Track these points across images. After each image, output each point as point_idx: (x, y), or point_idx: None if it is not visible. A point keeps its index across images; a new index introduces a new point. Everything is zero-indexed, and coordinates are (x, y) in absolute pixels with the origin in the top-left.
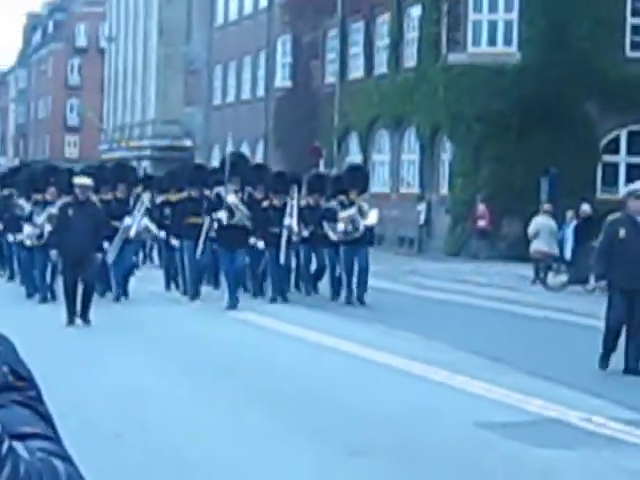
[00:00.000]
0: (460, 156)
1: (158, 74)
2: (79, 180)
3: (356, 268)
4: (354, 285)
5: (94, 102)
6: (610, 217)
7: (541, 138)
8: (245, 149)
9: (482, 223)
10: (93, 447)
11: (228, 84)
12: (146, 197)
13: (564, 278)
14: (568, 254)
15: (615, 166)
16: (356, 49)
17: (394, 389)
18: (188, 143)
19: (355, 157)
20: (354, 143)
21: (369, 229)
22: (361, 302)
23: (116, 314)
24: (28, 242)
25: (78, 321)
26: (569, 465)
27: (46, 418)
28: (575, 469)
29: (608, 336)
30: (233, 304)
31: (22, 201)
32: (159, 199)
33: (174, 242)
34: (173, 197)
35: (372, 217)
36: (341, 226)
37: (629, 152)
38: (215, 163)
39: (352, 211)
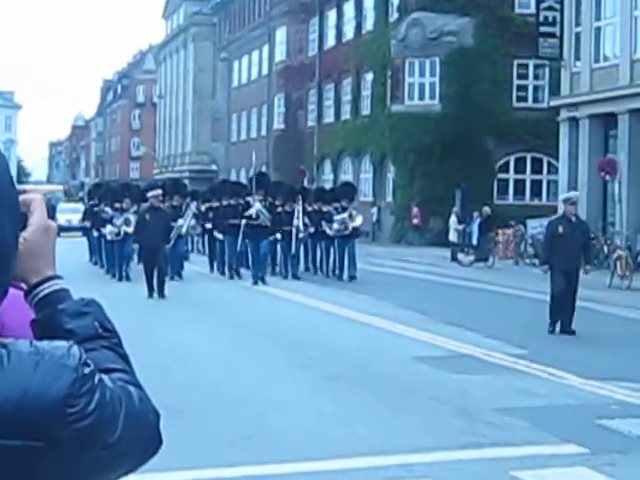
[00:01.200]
0: (400, 175)
1: (193, 120)
2: (154, 192)
3: (347, 256)
4: (345, 267)
5: (149, 140)
6: (551, 218)
7: (455, 162)
8: (252, 172)
9: (416, 221)
10: (153, 376)
11: (241, 127)
12: (193, 205)
13: (472, 258)
14: (474, 241)
15: (506, 181)
16: (328, 102)
17: (355, 334)
18: (214, 167)
19: (328, 176)
20: (328, 167)
21: (355, 228)
22: (352, 278)
23: (173, 289)
24: (109, 237)
25: (154, 295)
26: (477, 385)
27: (124, 357)
28: (481, 388)
29: (553, 306)
30: (256, 281)
31: (107, 208)
32: (203, 206)
33: (220, 236)
34: (215, 204)
35: (358, 220)
36: (335, 226)
37: (516, 171)
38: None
39: (344, 215)
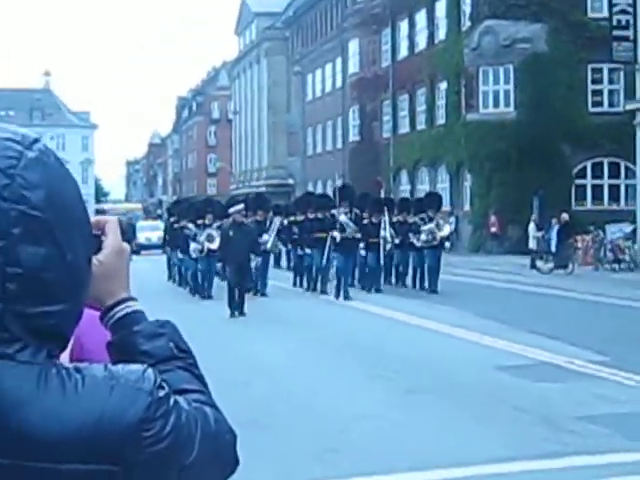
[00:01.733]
0: (477, 183)
1: (269, 135)
2: (236, 207)
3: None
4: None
5: (225, 156)
6: None
7: (532, 169)
8: (329, 185)
9: (494, 229)
10: (233, 391)
11: (316, 140)
12: (277, 220)
13: (551, 265)
14: (553, 248)
15: (584, 187)
16: (403, 113)
17: (436, 345)
18: (291, 181)
19: (405, 187)
20: (404, 177)
21: (444, 238)
22: (434, 291)
23: (258, 305)
24: (194, 255)
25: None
26: (559, 393)
27: (200, 378)
28: (563, 396)
29: None
30: (347, 296)
31: (190, 225)
32: (286, 220)
33: (307, 251)
34: (299, 218)
35: (446, 230)
36: (423, 236)
37: (593, 177)
38: None
39: (432, 225)
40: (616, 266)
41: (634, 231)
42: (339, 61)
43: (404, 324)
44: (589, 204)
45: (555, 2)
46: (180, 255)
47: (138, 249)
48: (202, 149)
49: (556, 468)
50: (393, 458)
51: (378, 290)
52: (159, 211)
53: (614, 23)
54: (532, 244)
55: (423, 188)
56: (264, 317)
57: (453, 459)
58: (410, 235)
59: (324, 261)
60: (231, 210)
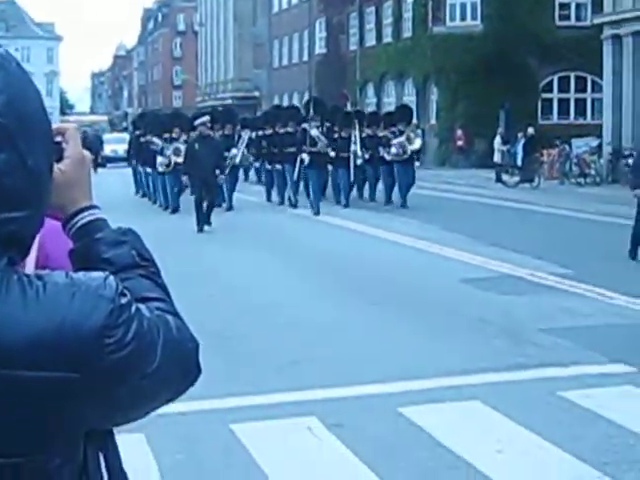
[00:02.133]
0: (443, 97)
1: (234, 47)
2: (202, 119)
3: (405, 181)
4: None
5: (191, 68)
6: None
7: (499, 83)
8: (296, 98)
9: (460, 143)
10: (198, 304)
11: (283, 52)
12: (245, 134)
13: (517, 179)
14: (519, 162)
15: (550, 101)
16: (370, 25)
17: (402, 258)
18: (257, 94)
19: (371, 100)
20: (371, 91)
21: (415, 152)
22: (404, 206)
23: (227, 220)
24: (160, 169)
25: (205, 228)
26: (522, 306)
27: (162, 286)
28: (527, 309)
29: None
30: (317, 211)
31: (155, 138)
32: (254, 134)
33: (277, 166)
34: (268, 132)
35: (417, 143)
36: (394, 150)
37: (559, 91)
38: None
39: (402, 139)
40: (581, 180)
41: (600, 145)
42: None
43: (370, 237)
44: (555, 118)
45: None
46: (147, 169)
47: (104, 162)
48: (168, 61)
49: (519, 380)
50: (355, 370)
51: (347, 205)
52: (124, 124)
53: None
54: (497, 158)
55: (389, 101)
56: (232, 231)
57: (415, 371)
58: (380, 149)
59: (294, 176)
60: (197, 122)
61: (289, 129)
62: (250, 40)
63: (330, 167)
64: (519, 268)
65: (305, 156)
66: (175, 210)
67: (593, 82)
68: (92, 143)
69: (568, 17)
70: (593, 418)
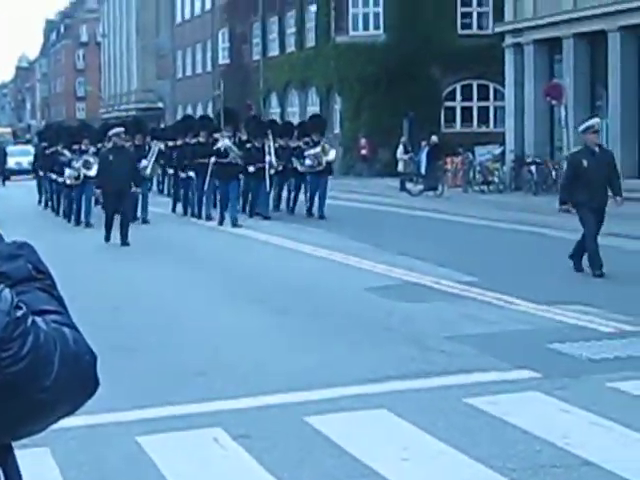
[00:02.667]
0: (347, 106)
1: (137, 58)
2: (116, 129)
3: (318, 193)
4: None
5: (94, 79)
6: (571, 151)
7: (402, 92)
8: (199, 107)
9: (364, 152)
10: (103, 317)
11: (186, 63)
12: (156, 145)
13: (421, 187)
14: (423, 170)
15: (453, 109)
16: (273, 35)
17: (307, 267)
18: (160, 105)
19: (275, 110)
20: (274, 100)
21: (329, 163)
22: (322, 217)
23: (134, 232)
24: (68, 181)
25: (113, 240)
26: (428, 314)
27: (59, 299)
28: (432, 316)
29: (589, 246)
30: (221, 221)
31: (64, 150)
32: (163, 145)
33: (190, 174)
34: (179, 142)
35: (332, 154)
36: (308, 161)
37: (462, 99)
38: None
39: (317, 149)
40: (485, 188)
41: (503, 153)
42: None
43: (276, 247)
44: (458, 126)
45: None
46: (56, 180)
47: (8, 174)
48: (71, 73)
49: (424, 388)
50: (262, 380)
51: (267, 217)
52: (28, 136)
53: None
54: (400, 167)
55: (293, 111)
56: (143, 244)
57: (321, 380)
58: (294, 160)
59: (206, 186)
60: (111, 132)
61: (201, 139)
62: (153, 51)
63: (243, 178)
64: (424, 276)
65: (214, 167)
66: (87, 224)
67: (495, 90)
68: None
69: (470, 26)
70: (498, 424)
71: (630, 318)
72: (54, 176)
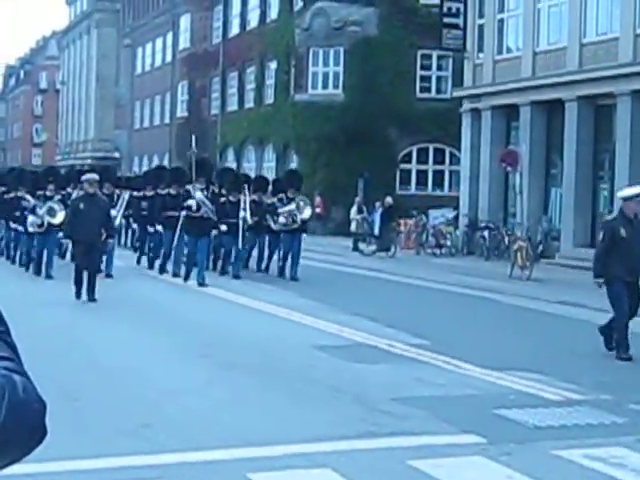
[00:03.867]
0: (303, 164)
1: (96, 107)
2: (89, 175)
3: (291, 253)
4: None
5: (52, 126)
6: (606, 219)
7: (358, 152)
8: (156, 159)
9: (318, 210)
10: (43, 362)
11: (144, 114)
12: (126, 194)
13: (374, 247)
14: (377, 231)
15: (408, 172)
16: (232, 90)
17: (256, 324)
18: (117, 155)
19: (231, 164)
20: (231, 155)
21: (304, 221)
22: (294, 279)
23: (103, 286)
24: (31, 229)
25: (83, 297)
26: (376, 375)
27: (11, 346)
28: (380, 378)
29: (619, 327)
30: (202, 282)
31: (27, 195)
32: (130, 194)
33: (159, 228)
34: (149, 193)
35: (307, 212)
36: (282, 219)
37: (418, 162)
38: (136, 170)
39: (292, 207)
40: (437, 251)
41: (456, 217)
42: (170, 36)
43: (228, 303)
44: (413, 189)
45: None
46: (16, 228)
47: None
48: (28, 119)
49: (370, 449)
50: (207, 435)
51: (237, 276)
52: None
53: (444, 10)
54: (353, 227)
55: (249, 166)
56: (104, 299)
57: (266, 437)
58: (267, 217)
59: (175, 241)
60: (84, 178)
61: (171, 191)
62: (112, 101)
63: (215, 233)
64: (374, 337)
65: (184, 221)
66: (48, 276)
67: (451, 154)
68: None
69: (429, 89)
70: None
71: (577, 387)
72: (12, 224)
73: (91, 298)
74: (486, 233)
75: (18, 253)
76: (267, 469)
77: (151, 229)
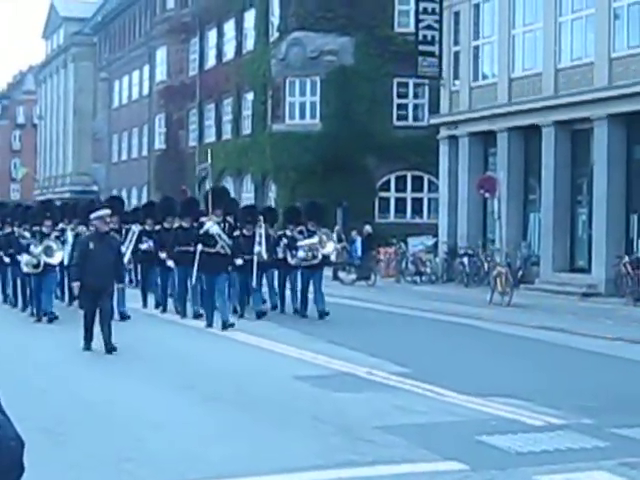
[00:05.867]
0: (282, 194)
1: (74, 141)
2: (102, 211)
3: (311, 289)
4: (311, 302)
5: (30, 161)
6: None
7: (337, 181)
8: (134, 192)
9: None
10: (29, 400)
11: (122, 147)
12: (136, 228)
13: (354, 276)
14: (356, 260)
15: (387, 200)
16: (209, 122)
17: (237, 355)
18: (95, 188)
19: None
20: (209, 186)
21: (325, 257)
22: (324, 314)
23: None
24: (26, 269)
25: (92, 346)
26: (358, 404)
27: None
28: (362, 407)
29: None
30: (209, 323)
31: (25, 233)
32: (141, 229)
33: (170, 264)
34: (157, 227)
35: (329, 247)
36: (301, 253)
37: (397, 190)
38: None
39: (314, 240)
40: (417, 278)
41: (435, 244)
42: (146, 68)
43: (212, 335)
44: (392, 217)
45: (363, 16)
46: (11, 265)
47: None
48: (6, 154)
49: (352, 477)
50: (189, 467)
51: (242, 315)
52: None
53: (420, 38)
54: (333, 256)
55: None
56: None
57: (250, 468)
58: (281, 250)
59: (193, 279)
60: (93, 215)
61: (184, 224)
62: (89, 134)
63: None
64: (355, 366)
65: (200, 257)
66: (43, 319)
67: (430, 181)
68: None
69: (406, 117)
70: None
71: (558, 411)
72: (7, 259)
73: (109, 348)
74: (465, 260)
75: (10, 292)
76: None
77: (169, 264)
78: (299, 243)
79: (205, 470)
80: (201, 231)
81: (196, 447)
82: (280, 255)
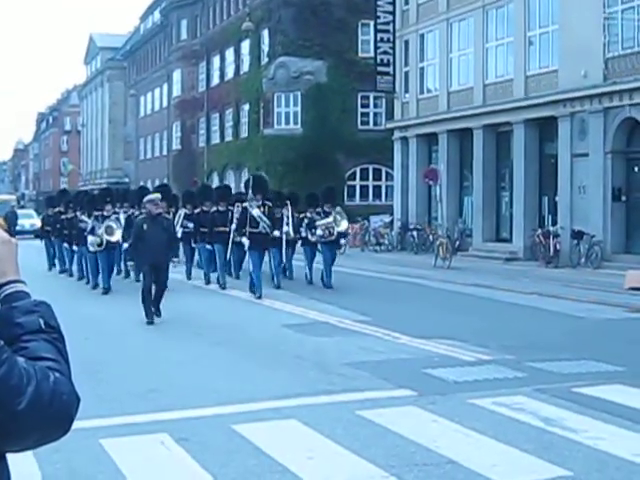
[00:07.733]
0: (272, 183)
1: (109, 143)
2: (153, 195)
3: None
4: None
5: (75, 159)
6: None
7: (314, 173)
8: (157, 182)
9: None
10: (74, 345)
11: (147, 148)
12: (182, 212)
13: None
14: None
15: (354, 187)
16: (215, 127)
17: (239, 309)
18: (126, 180)
19: (216, 185)
20: (215, 178)
21: (340, 234)
22: (329, 287)
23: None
24: (92, 249)
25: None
26: (331, 345)
27: (61, 351)
28: (334, 348)
29: None
30: (259, 295)
31: (84, 217)
32: (186, 212)
33: (208, 246)
34: (197, 211)
35: (343, 225)
36: (319, 232)
37: (361, 179)
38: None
39: (329, 219)
40: (378, 248)
41: (392, 221)
42: (165, 86)
43: (221, 295)
44: (357, 200)
45: (334, 44)
46: (73, 247)
47: (14, 234)
48: (57, 154)
49: (327, 402)
50: (202, 396)
51: (278, 286)
52: (22, 202)
53: (378, 61)
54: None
55: (230, 186)
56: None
57: (245, 396)
58: (302, 230)
59: (228, 256)
60: (146, 199)
61: (220, 208)
62: (121, 138)
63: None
64: (329, 316)
65: (245, 240)
66: (107, 291)
67: (387, 173)
68: (10, 219)
69: (368, 123)
70: (383, 432)
71: (486, 350)
72: (66, 244)
73: (157, 313)
74: (415, 233)
75: (76, 268)
76: (248, 421)
77: (198, 245)
78: (317, 222)
79: (213, 398)
80: (247, 214)
81: (206, 380)
82: (303, 234)
